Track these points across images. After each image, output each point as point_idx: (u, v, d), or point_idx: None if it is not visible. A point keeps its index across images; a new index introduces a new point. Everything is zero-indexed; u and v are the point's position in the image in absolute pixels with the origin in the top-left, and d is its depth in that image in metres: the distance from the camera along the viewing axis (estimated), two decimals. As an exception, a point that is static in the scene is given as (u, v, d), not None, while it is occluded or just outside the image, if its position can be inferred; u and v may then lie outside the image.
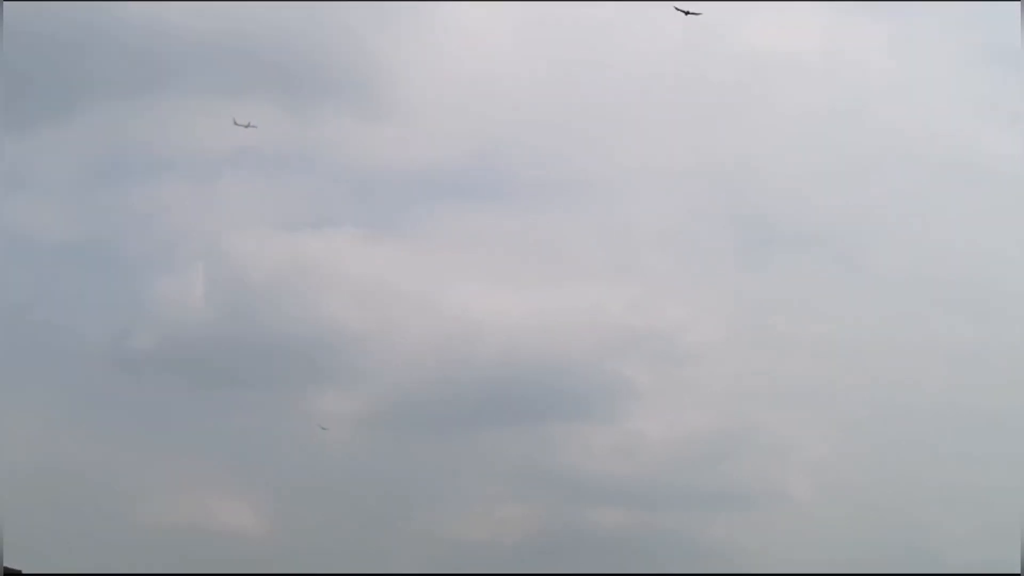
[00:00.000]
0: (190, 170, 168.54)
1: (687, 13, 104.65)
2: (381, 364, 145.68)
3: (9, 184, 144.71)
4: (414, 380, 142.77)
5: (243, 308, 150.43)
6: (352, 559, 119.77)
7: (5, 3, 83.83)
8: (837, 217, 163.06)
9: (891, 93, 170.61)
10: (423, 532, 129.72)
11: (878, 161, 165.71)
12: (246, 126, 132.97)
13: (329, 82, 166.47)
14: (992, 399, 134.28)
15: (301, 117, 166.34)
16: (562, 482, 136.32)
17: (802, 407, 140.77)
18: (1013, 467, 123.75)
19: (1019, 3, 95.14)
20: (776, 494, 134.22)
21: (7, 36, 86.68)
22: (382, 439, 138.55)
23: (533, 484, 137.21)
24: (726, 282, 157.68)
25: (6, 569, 74.51)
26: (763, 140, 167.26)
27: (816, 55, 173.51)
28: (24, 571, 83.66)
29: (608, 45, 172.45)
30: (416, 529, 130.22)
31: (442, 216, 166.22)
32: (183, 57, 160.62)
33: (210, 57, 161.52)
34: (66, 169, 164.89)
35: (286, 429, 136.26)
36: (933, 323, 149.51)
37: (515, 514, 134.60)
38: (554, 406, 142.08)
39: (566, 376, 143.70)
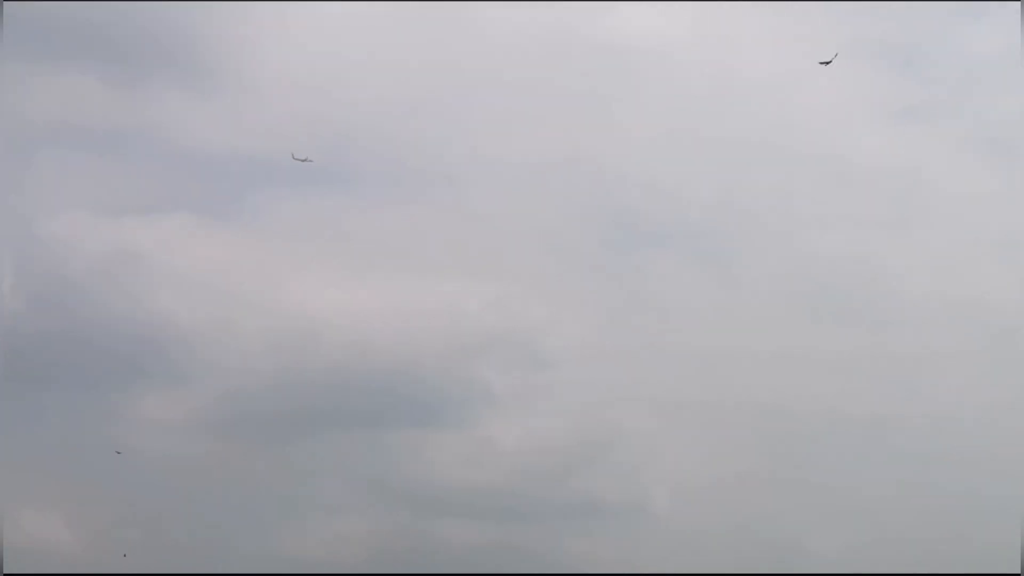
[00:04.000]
0: (1, 146, 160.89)
1: (827, 63, 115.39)
2: (211, 364, 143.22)
3: None
4: (247, 382, 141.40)
5: (58, 301, 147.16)
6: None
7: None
8: (707, 214, 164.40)
9: (763, 87, 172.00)
10: (253, 549, 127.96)
11: (749, 156, 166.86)
12: (303, 160, 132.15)
13: (160, 52, 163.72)
14: (867, 405, 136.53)
15: (128, 90, 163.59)
16: (408, 493, 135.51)
17: (665, 415, 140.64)
18: (887, 472, 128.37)
19: (1019, 3, 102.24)
20: (636, 506, 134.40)
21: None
22: (210, 446, 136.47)
23: (376, 496, 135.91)
24: (590, 282, 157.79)
25: None
26: (629, 133, 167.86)
27: (685, 47, 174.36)
28: None
29: (471, 32, 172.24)
30: (246, 546, 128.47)
31: (283, 204, 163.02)
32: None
33: (25, 20, 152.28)
34: None
35: (103, 435, 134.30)
36: (805, 326, 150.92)
37: (356, 529, 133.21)
38: (401, 411, 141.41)
39: (415, 379, 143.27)
